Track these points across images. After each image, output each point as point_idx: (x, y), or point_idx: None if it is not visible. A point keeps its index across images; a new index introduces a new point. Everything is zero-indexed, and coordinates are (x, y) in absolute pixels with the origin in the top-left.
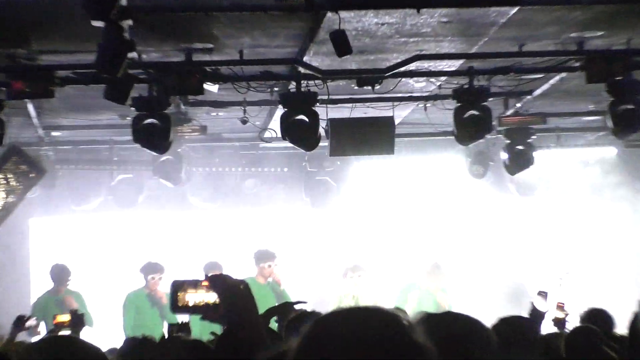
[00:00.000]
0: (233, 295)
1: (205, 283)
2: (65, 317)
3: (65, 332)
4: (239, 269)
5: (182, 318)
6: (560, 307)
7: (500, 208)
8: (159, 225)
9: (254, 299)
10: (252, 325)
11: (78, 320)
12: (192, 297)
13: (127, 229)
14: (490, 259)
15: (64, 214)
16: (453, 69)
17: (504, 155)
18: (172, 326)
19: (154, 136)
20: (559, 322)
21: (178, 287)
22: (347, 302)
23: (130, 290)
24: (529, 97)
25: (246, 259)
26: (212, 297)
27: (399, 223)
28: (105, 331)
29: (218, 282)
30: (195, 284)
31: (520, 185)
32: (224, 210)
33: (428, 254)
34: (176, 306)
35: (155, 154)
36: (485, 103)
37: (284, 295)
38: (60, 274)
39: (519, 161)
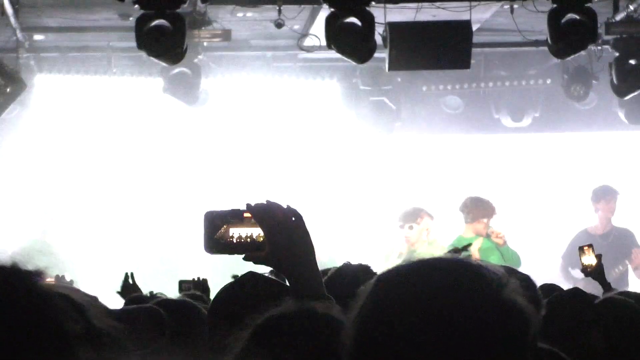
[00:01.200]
0: (281, 230)
1: (248, 215)
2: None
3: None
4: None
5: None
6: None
7: (604, 139)
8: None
9: (309, 235)
10: (306, 267)
11: None
12: (233, 232)
13: (132, 161)
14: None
15: (53, 139)
16: None
17: (612, 72)
18: (182, 283)
19: (164, 42)
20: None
21: (215, 219)
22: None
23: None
24: None
25: (283, 195)
26: (257, 232)
27: (471, 159)
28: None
29: (262, 213)
30: (235, 216)
31: (632, 111)
32: (250, 137)
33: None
34: (212, 243)
35: (165, 64)
36: (588, 4)
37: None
38: None
39: (631, 80)
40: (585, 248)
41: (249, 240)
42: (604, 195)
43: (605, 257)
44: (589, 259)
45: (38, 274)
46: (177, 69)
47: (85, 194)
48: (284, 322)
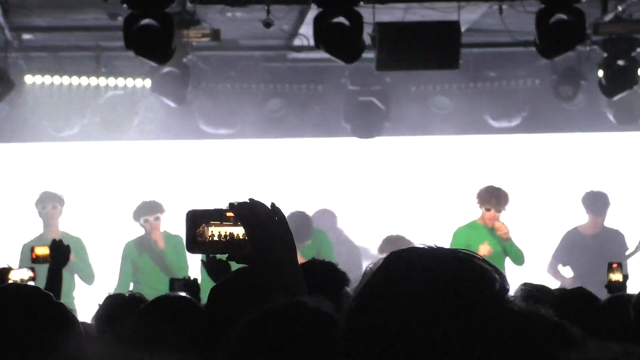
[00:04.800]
0: (264, 228)
1: (230, 213)
2: (44, 250)
3: (19, 270)
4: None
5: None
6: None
7: (593, 140)
8: (158, 156)
9: (291, 234)
10: (287, 266)
11: (60, 253)
12: (217, 231)
13: (118, 159)
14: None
15: (39, 140)
16: None
17: (600, 73)
18: (174, 282)
19: (152, 41)
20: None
21: (196, 218)
22: None
23: (129, 239)
24: None
25: (273, 197)
26: (240, 232)
27: (462, 160)
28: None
29: (245, 212)
30: (218, 215)
31: (620, 111)
32: (241, 138)
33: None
34: (195, 243)
35: (153, 64)
36: (577, 5)
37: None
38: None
39: (620, 80)
40: (615, 266)
41: (228, 239)
42: (594, 209)
43: (594, 258)
44: (616, 277)
45: None
46: (165, 69)
47: (76, 193)
48: (275, 316)
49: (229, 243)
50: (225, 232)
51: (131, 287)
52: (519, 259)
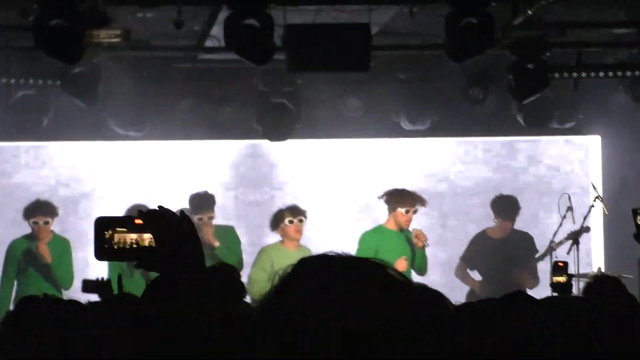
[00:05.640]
0: (172, 236)
1: (139, 221)
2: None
3: None
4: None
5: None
6: (561, 267)
7: (502, 144)
8: (69, 155)
9: (199, 240)
10: (196, 271)
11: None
12: (123, 238)
13: (28, 159)
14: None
15: None
16: None
17: (510, 76)
18: (87, 283)
19: (63, 41)
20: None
21: (104, 225)
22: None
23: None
24: (543, 1)
25: (183, 201)
26: (147, 238)
27: (377, 157)
28: None
29: (154, 218)
30: (125, 222)
31: (529, 114)
32: (152, 140)
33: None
34: (102, 249)
35: (64, 64)
36: (486, 8)
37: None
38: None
39: (529, 84)
40: (561, 265)
41: (135, 246)
42: (502, 214)
43: (503, 262)
44: (560, 278)
45: None
46: (76, 69)
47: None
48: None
49: (135, 250)
50: (134, 239)
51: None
52: (423, 269)
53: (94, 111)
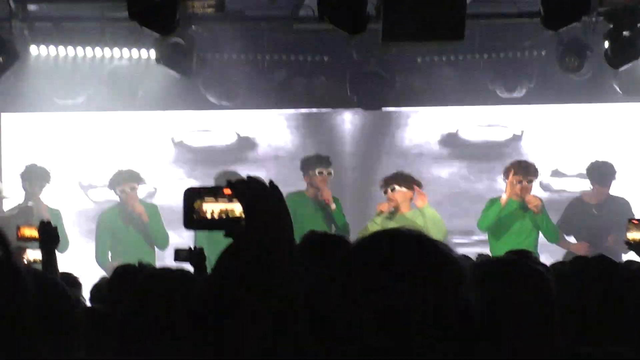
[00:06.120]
0: (261, 206)
1: (228, 191)
2: (32, 231)
3: (34, 251)
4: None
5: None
6: (636, 224)
7: (599, 111)
8: (162, 126)
9: (288, 212)
10: (284, 243)
11: (49, 235)
12: (212, 208)
13: (122, 130)
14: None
15: (44, 109)
16: None
17: (606, 44)
18: (180, 252)
19: (157, 12)
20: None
21: (194, 196)
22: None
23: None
24: None
25: (278, 171)
26: (236, 208)
27: (464, 131)
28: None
29: (243, 188)
30: (214, 192)
31: (626, 82)
32: (246, 109)
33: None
34: (191, 220)
35: (158, 35)
36: None
37: (335, 217)
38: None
39: (626, 51)
40: (635, 222)
41: (224, 216)
42: (599, 180)
43: (598, 227)
44: (636, 235)
45: None
46: (170, 40)
47: (77, 166)
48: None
49: (224, 220)
50: (221, 209)
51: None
52: (437, 223)
53: (189, 82)
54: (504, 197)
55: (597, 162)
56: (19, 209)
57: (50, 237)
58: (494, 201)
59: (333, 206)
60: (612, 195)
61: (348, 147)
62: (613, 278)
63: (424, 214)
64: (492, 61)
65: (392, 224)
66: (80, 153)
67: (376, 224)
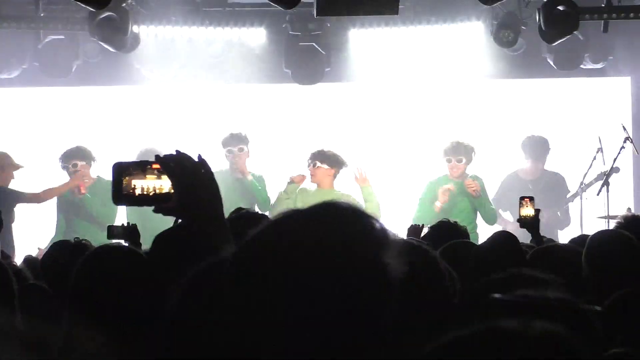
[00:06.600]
0: (190, 181)
1: (157, 166)
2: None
3: None
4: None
5: (125, 218)
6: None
7: (533, 86)
8: (96, 100)
9: (217, 186)
10: (214, 218)
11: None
12: (140, 184)
13: (57, 104)
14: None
15: None
16: None
17: (540, 19)
18: (113, 229)
19: None
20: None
21: (122, 170)
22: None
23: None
24: None
25: (208, 146)
26: (165, 184)
27: (403, 107)
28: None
29: (172, 164)
30: (143, 167)
31: (560, 57)
32: (180, 83)
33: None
34: (120, 195)
35: (92, 9)
36: None
37: (251, 188)
38: None
39: (560, 26)
40: (526, 200)
41: (152, 192)
42: (534, 154)
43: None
44: (528, 211)
45: None
46: (104, 13)
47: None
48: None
49: (152, 196)
50: (150, 184)
51: None
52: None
53: (122, 56)
54: (438, 205)
55: (532, 136)
56: None
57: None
58: (427, 200)
59: (249, 178)
60: (547, 170)
61: (285, 121)
62: None
63: (346, 196)
64: (423, 37)
65: (307, 199)
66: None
67: (285, 194)
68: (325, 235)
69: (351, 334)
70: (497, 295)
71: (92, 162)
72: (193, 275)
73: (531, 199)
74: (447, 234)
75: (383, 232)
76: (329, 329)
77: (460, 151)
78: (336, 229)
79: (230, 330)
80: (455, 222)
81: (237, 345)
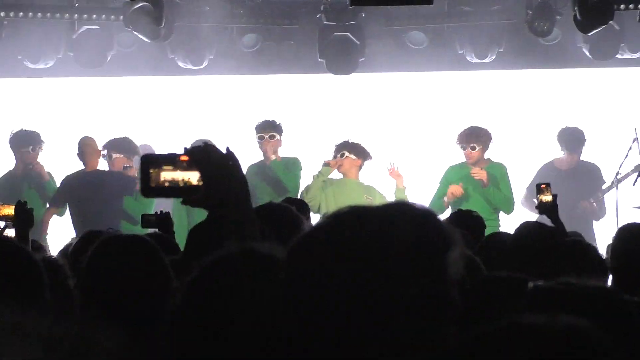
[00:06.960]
0: (218, 173)
1: (185, 158)
2: (9, 210)
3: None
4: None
5: (158, 206)
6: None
7: (569, 76)
8: (132, 90)
9: (245, 178)
10: (241, 211)
11: (24, 216)
12: (169, 175)
13: (91, 93)
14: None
15: (13, 74)
16: None
17: (575, 8)
18: (147, 218)
19: None
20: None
21: (150, 163)
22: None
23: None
24: None
25: (244, 137)
26: (193, 176)
27: (436, 98)
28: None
29: (200, 156)
30: (172, 160)
31: (596, 47)
32: (214, 74)
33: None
34: (149, 187)
35: None
36: None
37: (285, 180)
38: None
39: (595, 16)
40: (543, 186)
41: (181, 183)
42: (569, 146)
43: (570, 193)
44: (546, 197)
45: None
46: (139, 4)
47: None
48: (224, 264)
49: (181, 188)
50: (179, 177)
51: None
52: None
53: (157, 46)
54: (446, 200)
55: (567, 128)
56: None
57: (25, 219)
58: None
59: (273, 157)
60: (582, 161)
61: (319, 111)
62: None
63: (374, 194)
64: (461, 26)
65: (335, 188)
66: (52, 118)
67: (321, 175)
68: (397, 234)
69: (417, 334)
70: (538, 283)
71: (134, 156)
72: (200, 270)
73: (548, 185)
74: (463, 223)
75: (451, 233)
76: (393, 328)
77: (472, 138)
78: (408, 228)
79: (266, 327)
80: (469, 210)
81: (265, 343)
